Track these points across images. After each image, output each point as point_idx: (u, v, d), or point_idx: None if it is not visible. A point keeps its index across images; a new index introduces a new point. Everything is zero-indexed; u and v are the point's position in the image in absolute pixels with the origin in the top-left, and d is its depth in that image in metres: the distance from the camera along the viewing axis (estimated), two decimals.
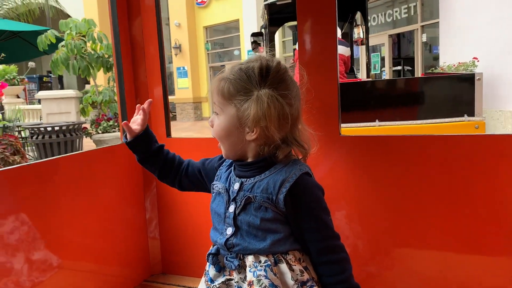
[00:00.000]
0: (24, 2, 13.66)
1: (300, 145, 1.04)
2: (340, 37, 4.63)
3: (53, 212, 1.29)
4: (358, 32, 4.59)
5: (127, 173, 1.62)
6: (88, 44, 6.71)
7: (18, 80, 11.69)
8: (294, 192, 0.98)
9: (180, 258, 1.71)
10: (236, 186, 1.03)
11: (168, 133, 1.66)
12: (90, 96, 7.24)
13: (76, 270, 1.37)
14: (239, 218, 1.01)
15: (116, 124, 6.60)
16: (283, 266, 0.98)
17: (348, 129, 2.91)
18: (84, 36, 6.62)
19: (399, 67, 10.45)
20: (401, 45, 10.82)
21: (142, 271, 1.68)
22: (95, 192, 1.46)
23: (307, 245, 1.02)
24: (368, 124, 2.95)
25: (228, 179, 1.07)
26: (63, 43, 6.57)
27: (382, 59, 10.48)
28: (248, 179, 1.02)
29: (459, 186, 1.31)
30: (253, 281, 0.96)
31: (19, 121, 9.21)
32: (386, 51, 10.37)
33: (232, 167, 1.10)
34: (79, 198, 1.39)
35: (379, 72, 10.34)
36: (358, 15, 4.67)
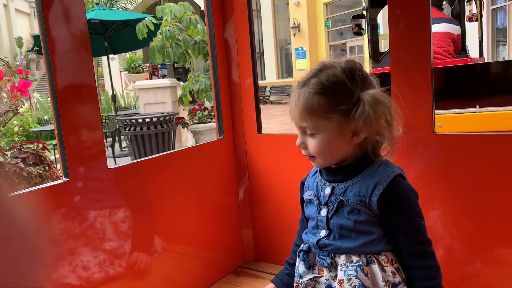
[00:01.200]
0: None
1: (391, 139, 1.01)
2: (451, 15, 4.27)
3: (160, 202, 1.43)
4: (470, 9, 4.17)
5: (222, 166, 1.73)
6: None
7: (143, 67, 11.97)
8: (388, 194, 0.97)
9: (272, 247, 1.78)
10: (327, 190, 1.04)
11: (259, 130, 1.73)
12: (188, 84, 6.91)
13: (179, 253, 1.52)
14: (332, 222, 1.02)
15: (212, 114, 6.35)
16: (375, 267, 0.99)
17: (443, 116, 2.73)
18: (180, 22, 6.17)
19: None
20: None
21: (236, 258, 1.80)
22: (195, 184, 1.59)
23: (399, 248, 1.01)
24: (468, 110, 2.72)
25: (316, 185, 1.09)
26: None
27: None
28: (340, 184, 1.03)
29: None
30: (343, 279, 0.98)
31: (135, 108, 9.70)
32: None
33: (318, 173, 1.11)
34: (182, 189, 1.53)
35: None
36: None
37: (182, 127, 6.35)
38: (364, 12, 4.28)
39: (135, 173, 1.36)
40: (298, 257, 1.09)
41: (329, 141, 0.98)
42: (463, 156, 1.33)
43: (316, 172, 1.13)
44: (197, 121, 6.19)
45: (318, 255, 1.04)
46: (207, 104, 6.79)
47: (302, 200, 1.18)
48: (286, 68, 17.32)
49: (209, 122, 6.20)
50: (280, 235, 1.72)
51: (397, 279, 0.98)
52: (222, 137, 1.72)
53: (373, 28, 4.18)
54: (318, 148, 0.98)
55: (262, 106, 1.13)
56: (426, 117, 1.34)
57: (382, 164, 1.02)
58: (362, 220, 0.99)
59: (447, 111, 2.73)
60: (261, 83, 16.85)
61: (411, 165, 1.37)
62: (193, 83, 6.81)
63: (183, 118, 6.31)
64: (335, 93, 0.96)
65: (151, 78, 11.26)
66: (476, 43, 4.52)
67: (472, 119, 2.67)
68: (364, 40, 13.37)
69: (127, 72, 11.91)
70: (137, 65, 12.33)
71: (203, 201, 1.62)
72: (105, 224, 1.24)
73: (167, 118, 5.52)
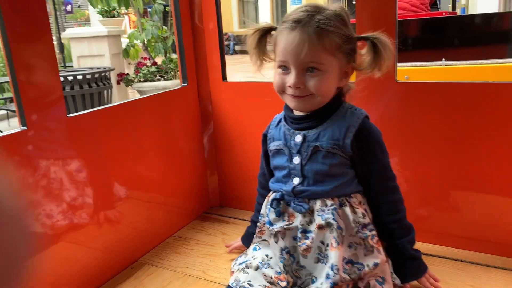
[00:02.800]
0: None
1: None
2: None
3: (124, 150, 1.44)
4: None
5: (187, 114, 1.73)
6: None
7: (118, 11, 10.36)
8: (360, 135, 1.04)
9: (236, 193, 1.84)
10: (298, 138, 1.07)
11: (224, 77, 1.73)
12: (133, 34, 5.81)
13: (144, 201, 1.55)
14: (306, 168, 1.06)
15: (162, 70, 5.26)
16: (347, 209, 1.05)
17: (412, 69, 2.80)
18: None
19: None
20: None
21: (202, 204, 1.85)
22: (159, 132, 1.60)
23: (369, 186, 1.09)
24: (434, 63, 2.81)
25: (284, 135, 1.11)
26: None
27: None
28: (311, 131, 1.06)
29: None
30: (322, 224, 1.02)
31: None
32: None
33: (282, 123, 1.13)
34: (146, 137, 1.54)
35: None
36: None
37: (126, 85, 5.35)
38: None
39: (97, 121, 1.35)
40: (271, 206, 1.11)
41: (330, 80, 1.01)
42: (422, 104, 1.40)
43: (279, 122, 1.15)
44: (142, 79, 5.13)
45: (294, 202, 1.07)
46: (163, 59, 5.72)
47: (266, 152, 1.20)
48: (281, 14, 16.59)
49: (158, 80, 5.17)
50: (244, 182, 1.77)
51: (367, 220, 1.06)
52: (186, 84, 1.71)
53: None
54: (321, 85, 0.99)
55: None
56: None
57: (348, 109, 1.07)
58: (337, 163, 1.04)
59: (414, 63, 2.80)
60: None
61: (371, 111, 1.42)
62: (139, 32, 5.73)
63: (127, 74, 5.31)
64: (344, 32, 1.00)
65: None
66: None
67: (437, 72, 2.75)
68: None
69: (101, 16, 10.54)
70: (111, 8, 10.86)
71: (168, 149, 1.64)
72: (67, 172, 1.24)
73: (97, 75, 4.39)
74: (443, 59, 2.76)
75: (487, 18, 3.04)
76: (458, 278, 1.29)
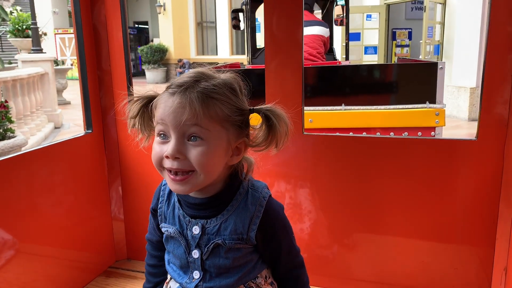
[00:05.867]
0: None
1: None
2: (321, 18, 4.63)
3: (17, 203, 1.34)
4: (338, 14, 4.58)
5: (91, 162, 1.67)
6: None
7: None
8: (265, 225, 0.96)
9: (145, 244, 1.77)
10: (196, 230, 0.96)
11: None
12: None
13: (39, 256, 1.43)
14: (207, 263, 0.97)
15: None
16: None
17: (315, 112, 3.01)
18: None
19: None
20: None
21: (107, 257, 1.76)
22: (59, 182, 1.52)
23: (276, 265, 1.04)
24: (335, 108, 3.05)
25: (178, 220, 1.00)
26: None
27: None
28: (210, 221, 0.96)
29: (414, 183, 1.46)
30: None
31: None
32: None
33: (176, 204, 1.01)
34: (43, 188, 1.44)
35: None
36: None
37: None
38: (244, 7, 4.41)
39: None
40: None
41: (215, 152, 0.87)
42: (329, 154, 1.52)
43: (170, 195, 1.04)
44: None
45: None
46: None
47: (157, 226, 1.07)
48: (241, 41, 15.51)
49: None
50: None
51: None
52: (90, 131, 1.65)
53: (252, 23, 4.36)
54: (204, 157, 0.86)
55: None
56: (296, 119, 1.48)
57: (248, 189, 0.98)
58: (241, 255, 0.98)
59: (317, 108, 3.03)
60: (212, 58, 15.89)
61: (280, 160, 1.50)
62: None
63: None
64: (233, 102, 0.90)
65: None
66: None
67: (338, 115, 3.00)
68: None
69: (13, 36, 8.20)
70: (25, 26, 8.21)
71: (69, 198, 1.56)
72: None
73: None
74: (343, 104, 3.02)
75: (372, 68, 3.45)
76: None
